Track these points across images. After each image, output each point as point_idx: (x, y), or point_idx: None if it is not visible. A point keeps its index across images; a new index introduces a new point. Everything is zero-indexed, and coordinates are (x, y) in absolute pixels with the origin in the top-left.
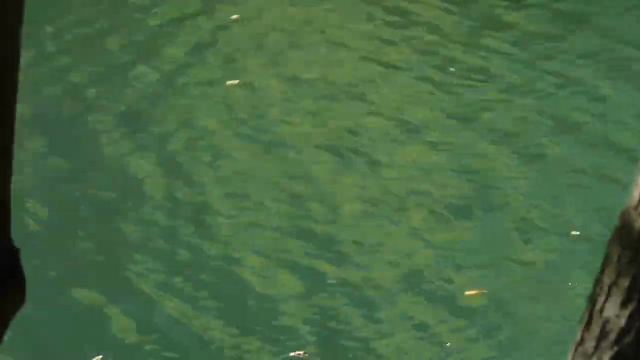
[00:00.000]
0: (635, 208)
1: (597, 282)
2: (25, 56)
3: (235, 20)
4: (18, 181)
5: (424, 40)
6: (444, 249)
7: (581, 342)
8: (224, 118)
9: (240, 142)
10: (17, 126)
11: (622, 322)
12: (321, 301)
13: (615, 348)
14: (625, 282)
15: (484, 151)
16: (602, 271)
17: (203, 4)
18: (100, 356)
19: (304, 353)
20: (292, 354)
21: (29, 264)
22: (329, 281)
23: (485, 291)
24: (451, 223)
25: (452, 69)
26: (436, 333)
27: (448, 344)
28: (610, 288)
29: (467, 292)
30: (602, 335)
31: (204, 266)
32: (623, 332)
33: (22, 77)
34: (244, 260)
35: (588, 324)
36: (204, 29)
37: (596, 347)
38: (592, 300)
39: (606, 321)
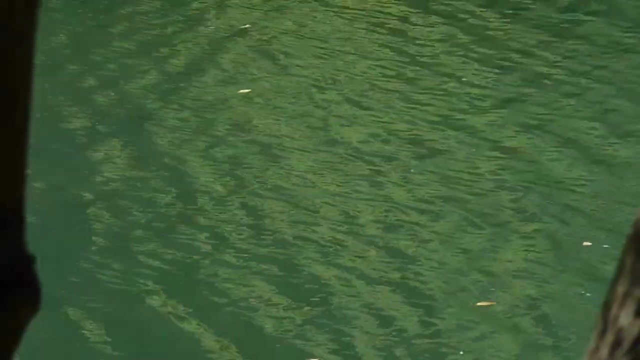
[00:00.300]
0: None
1: (611, 290)
2: (76, 64)
3: (247, 29)
4: (78, 189)
5: (479, 49)
6: (511, 258)
7: (596, 349)
8: (281, 126)
9: (295, 149)
10: (74, 136)
11: (636, 331)
12: (383, 307)
13: (629, 356)
14: (638, 292)
15: (545, 157)
16: (615, 279)
17: (252, 15)
18: None
19: None
20: None
21: (90, 272)
22: (390, 288)
23: (495, 303)
24: (515, 229)
25: (464, 78)
26: (501, 343)
27: (513, 353)
28: (624, 297)
29: (478, 304)
30: (616, 343)
31: (264, 273)
32: (637, 341)
33: (74, 84)
34: (302, 267)
35: (602, 331)
36: (256, 39)
37: (610, 355)
38: (606, 307)
39: (620, 330)
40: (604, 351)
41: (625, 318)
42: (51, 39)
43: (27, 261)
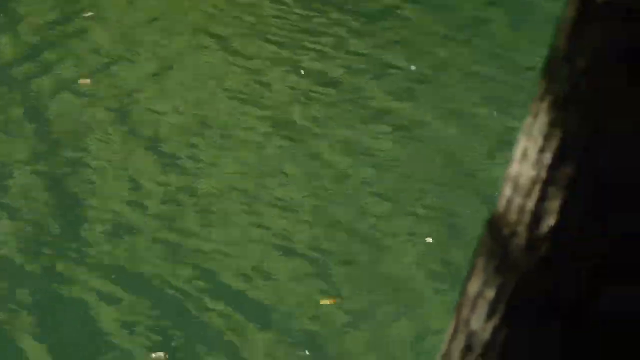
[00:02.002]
0: (501, 218)
1: (463, 292)
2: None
3: (91, 17)
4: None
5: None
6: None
7: (447, 353)
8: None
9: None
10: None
11: (487, 335)
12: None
13: None
14: (490, 294)
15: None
16: (467, 281)
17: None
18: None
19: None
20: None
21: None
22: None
23: (337, 300)
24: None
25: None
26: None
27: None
28: (475, 299)
29: (322, 302)
30: (468, 348)
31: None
32: (488, 346)
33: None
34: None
35: (454, 335)
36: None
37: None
38: (458, 310)
39: (471, 333)
40: (456, 355)
41: (476, 322)
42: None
43: None
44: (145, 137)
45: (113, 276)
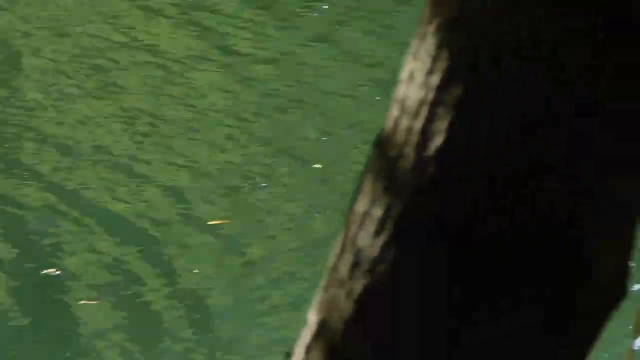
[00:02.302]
0: (389, 138)
1: (350, 211)
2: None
3: None
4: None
5: None
6: None
7: (335, 269)
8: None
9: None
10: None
11: (375, 252)
12: None
13: (369, 277)
14: (378, 212)
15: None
16: (354, 199)
17: None
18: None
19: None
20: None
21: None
22: None
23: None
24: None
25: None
26: None
27: None
28: (363, 217)
29: (210, 222)
30: (356, 264)
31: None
32: (376, 262)
33: None
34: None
35: (342, 251)
36: None
37: (350, 276)
38: (345, 227)
39: (359, 250)
40: (344, 272)
41: (364, 238)
42: None
43: None
44: (79, 47)
45: (42, 186)
